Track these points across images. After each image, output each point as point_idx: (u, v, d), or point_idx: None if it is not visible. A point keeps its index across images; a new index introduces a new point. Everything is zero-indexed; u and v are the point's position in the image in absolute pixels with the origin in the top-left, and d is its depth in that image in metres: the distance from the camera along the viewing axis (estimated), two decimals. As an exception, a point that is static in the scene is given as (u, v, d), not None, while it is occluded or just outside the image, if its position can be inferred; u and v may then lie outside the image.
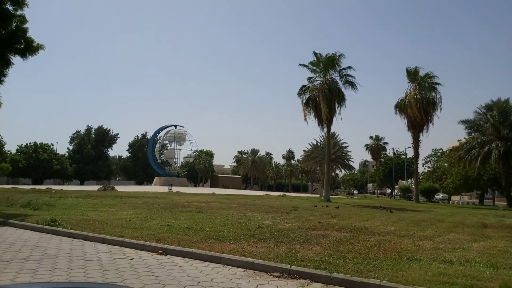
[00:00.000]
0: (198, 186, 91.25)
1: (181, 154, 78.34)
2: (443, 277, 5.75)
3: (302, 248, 7.87)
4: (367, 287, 5.28)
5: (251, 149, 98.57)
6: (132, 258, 6.95)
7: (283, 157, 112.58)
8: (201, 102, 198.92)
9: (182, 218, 12.79)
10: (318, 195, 48.55)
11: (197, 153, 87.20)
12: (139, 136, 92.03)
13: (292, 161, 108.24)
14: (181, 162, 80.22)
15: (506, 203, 40.64)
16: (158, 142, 74.80)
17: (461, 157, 42.53)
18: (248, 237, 8.97)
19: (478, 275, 5.94)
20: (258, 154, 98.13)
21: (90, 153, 79.77)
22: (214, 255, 6.81)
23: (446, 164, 55.40)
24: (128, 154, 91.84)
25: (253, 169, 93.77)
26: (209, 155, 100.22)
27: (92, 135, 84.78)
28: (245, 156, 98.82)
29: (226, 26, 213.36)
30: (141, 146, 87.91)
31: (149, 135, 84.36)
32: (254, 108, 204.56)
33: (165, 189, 40.65)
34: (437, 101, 39.35)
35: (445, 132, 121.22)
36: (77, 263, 6.49)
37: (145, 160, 79.30)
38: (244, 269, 6.19)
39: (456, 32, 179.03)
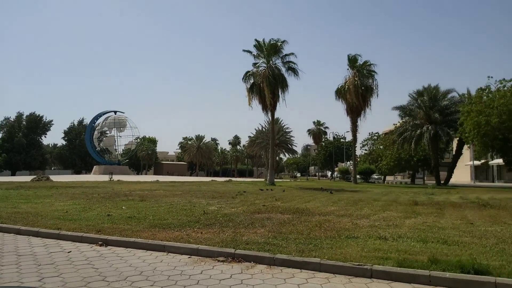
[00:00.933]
0: (141, 174, 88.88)
1: (122, 141, 75.67)
2: (378, 253, 6.11)
3: (247, 231, 7.97)
4: (308, 266, 5.48)
5: (196, 135, 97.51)
6: (70, 251, 6.64)
7: (229, 143, 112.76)
8: (143, 88, 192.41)
9: (123, 207, 12.40)
10: (263, 179, 49.30)
11: (139, 140, 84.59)
12: (76, 123, 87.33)
13: (238, 147, 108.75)
14: (122, 150, 77.52)
15: (435, 181, 44.05)
16: (97, 129, 71.48)
17: (395, 140, 45.28)
18: (193, 224, 8.92)
19: (409, 250, 6.38)
20: (204, 140, 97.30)
21: (21, 142, 74.40)
22: (157, 244, 6.68)
23: (381, 147, 58.61)
24: (64, 142, 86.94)
25: (199, 155, 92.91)
26: (152, 141, 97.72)
27: (23, 122, 79.07)
28: (190, 142, 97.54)
29: (167, 11, 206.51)
30: (78, 133, 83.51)
31: (86, 122, 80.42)
32: (199, 93, 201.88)
33: (105, 178, 39.12)
34: (374, 88, 41.41)
35: (381, 117, 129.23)
36: (9, 259, 6.07)
37: (83, 148, 75.58)
38: (189, 256, 6.16)
39: (396, 20, 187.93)
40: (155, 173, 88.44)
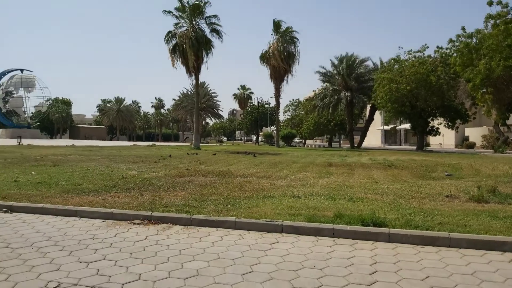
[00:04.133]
0: (55, 138, 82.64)
1: (31, 102, 69.83)
2: (290, 210, 6.51)
3: (166, 195, 7.95)
4: (224, 224, 5.69)
5: (116, 97, 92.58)
6: (-31, 220, 6.10)
7: (152, 106, 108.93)
8: (55, 46, 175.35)
9: (33, 172, 11.57)
10: (189, 144, 48.87)
11: (51, 102, 78.08)
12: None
13: (162, 110, 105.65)
14: (32, 112, 71.17)
15: (349, 145, 47.32)
16: (1, 88, 64.21)
17: (315, 106, 47.35)
18: (110, 188, 8.65)
19: (319, 206, 6.89)
20: (124, 103, 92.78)
21: None
22: (69, 209, 6.40)
23: (302, 112, 61.00)
24: (-38, 103, 76.97)
25: (119, 119, 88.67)
26: (66, 103, 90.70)
27: None
28: (109, 105, 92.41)
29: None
30: (-21, 93, 74.29)
31: (-11, 81, 71.65)
32: (118, 52, 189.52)
33: (13, 142, 35.85)
34: (296, 54, 42.31)
35: (302, 84, 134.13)
36: None
37: (-14, 110, 67.70)
38: (103, 220, 6.00)
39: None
40: (71, 137, 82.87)
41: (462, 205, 7.27)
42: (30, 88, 64.61)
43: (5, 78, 64.03)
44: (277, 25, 41.85)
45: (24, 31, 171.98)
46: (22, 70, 64.43)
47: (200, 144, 38.72)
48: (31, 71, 66.03)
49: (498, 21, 25.61)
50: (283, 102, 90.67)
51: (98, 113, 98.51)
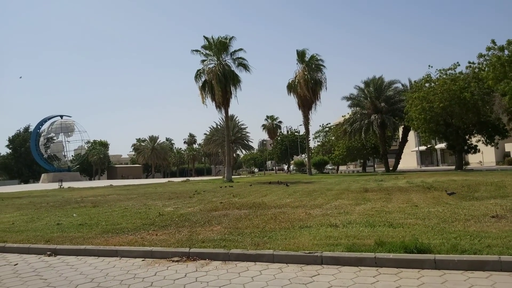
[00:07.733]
0: (94, 180, 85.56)
1: (71, 146, 72.65)
2: (329, 240, 6.35)
3: (203, 230, 7.98)
4: (262, 258, 5.62)
5: (150, 136, 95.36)
6: (16, 264, 6.35)
7: (185, 142, 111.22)
8: (91, 90, 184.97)
9: (74, 215, 11.96)
10: (221, 177, 49.22)
11: (89, 144, 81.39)
12: (21, 130, 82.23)
13: (194, 145, 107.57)
14: (72, 155, 74.21)
15: (384, 168, 46.11)
16: (42, 135, 67.60)
17: (346, 131, 46.79)
18: (148, 226, 8.79)
19: (358, 235, 6.68)
20: (158, 141, 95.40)
21: (-42, 153, 68.90)
22: (109, 249, 6.54)
23: (333, 138, 60.42)
24: (9, 151, 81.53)
25: (154, 157, 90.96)
26: (104, 145, 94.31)
27: (-41, 132, 73.29)
28: (143, 144, 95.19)
29: (120, 9, 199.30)
30: (23, 141, 78.61)
31: (32, 128, 75.83)
32: (150, 93, 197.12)
33: (55, 185, 37.33)
34: (323, 81, 42.22)
35: (331, 109, 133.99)
36: None
37: (30, 156, 71.19)
38: (143, 259, 6.08)
39: (337, 17, 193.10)
40: (109, 178, 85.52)
41: (510, 225, 6.88)
42: (69, 133, 67.66)
43: (46, 125, 67.58)
44: (301, 54, 42.29)
45: (63, 80, 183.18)
46: (61, 116, 67.86)
47: (232, 176, 38.92)
48: (70, 116, 69.37)
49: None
50: (313, 128, 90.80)
51: (133, 153, 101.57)
